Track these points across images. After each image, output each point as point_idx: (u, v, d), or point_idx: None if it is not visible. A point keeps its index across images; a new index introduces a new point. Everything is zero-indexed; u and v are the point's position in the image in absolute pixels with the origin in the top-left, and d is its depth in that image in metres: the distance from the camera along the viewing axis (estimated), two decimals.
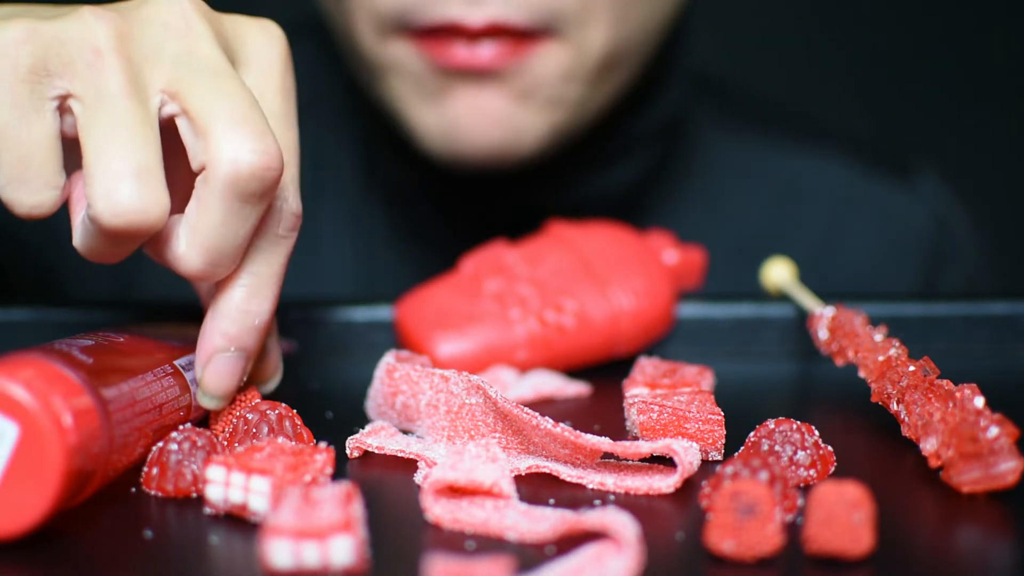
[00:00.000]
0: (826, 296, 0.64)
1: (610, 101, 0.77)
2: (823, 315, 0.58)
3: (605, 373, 0.62)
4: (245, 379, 0.50)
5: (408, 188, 0.84)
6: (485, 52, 0.70)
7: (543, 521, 0.43)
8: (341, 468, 0.50)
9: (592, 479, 0.48)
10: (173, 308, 0.65)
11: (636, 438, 0.52)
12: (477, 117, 0.72)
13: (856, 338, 0.56)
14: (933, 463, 0.48)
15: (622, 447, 0.48)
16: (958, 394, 0.48)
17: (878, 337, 0.55)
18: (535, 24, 0.69)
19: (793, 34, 1.32)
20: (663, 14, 0.76)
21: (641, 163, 0.85)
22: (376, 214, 0.85)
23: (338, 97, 0.86)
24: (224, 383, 0.49)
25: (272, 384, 0.53)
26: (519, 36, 0.70)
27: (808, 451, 0.48)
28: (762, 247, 0.83)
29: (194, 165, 0.46)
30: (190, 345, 0.53)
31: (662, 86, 0.84)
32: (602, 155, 0.83)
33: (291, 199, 0.49)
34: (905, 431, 0.50)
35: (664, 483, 0.47)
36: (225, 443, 0.49)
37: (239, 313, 0.49)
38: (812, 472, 0.48)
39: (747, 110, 0.94)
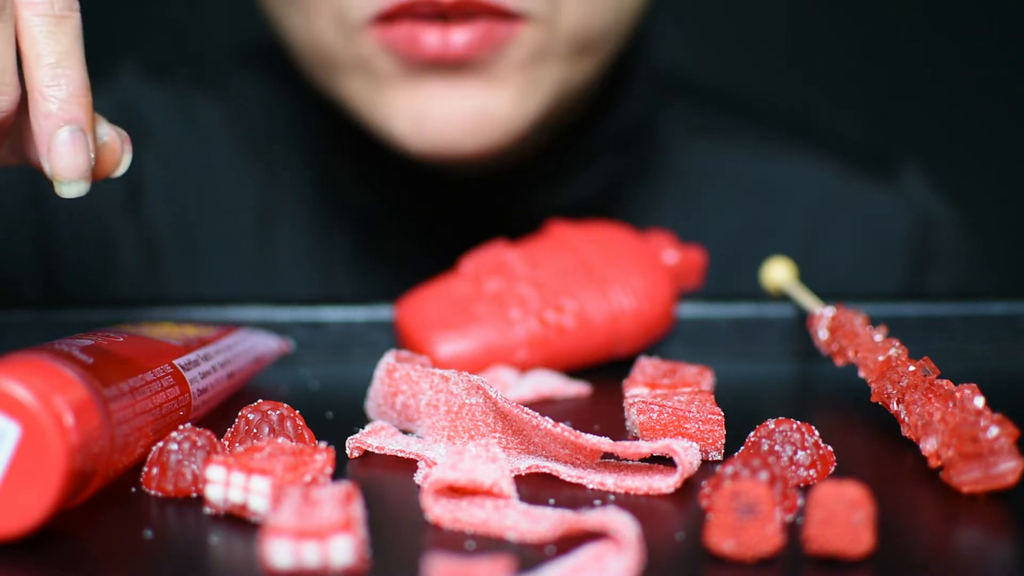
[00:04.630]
0: (822, 293, 0.64)
1: (582, 90, 0.75)
2: (823, 315, 0.58)
3: (605, 373, 0.62)
4: (93, 156, 0.50)
5: (371, 207, 0.83)
6: (459, 39, 0.67)
7: (543, 521, 0.43)
8: (341, 468, 0.50)
9: (592, 479, 0.48)
10: (172, 308, 0.65)
11: (636, 438, 0.52)
12: (449, 112, 0.69)
13: (856, 338, 0.56)
14: (933, 463, 0.48)
15: (622, 447, 0.48)
16: (958, 394, 0.48)
17: (878, 337, 0.55)
18: (507, 3, 0.67)
19: (777, 31, 1.32)
20: (636, 2, 0.74)
21: (610, 169, 0.84)
22: (339, 235, 0.84)
23: (295, 118, 0.85)
24: (73, 160, 0.49)
25: (122, 168, 0.52)
26: (492, 16, 0.67)
27: (808, 451, 0.48)
28: (742, 250, 0.82)
29: None
30: (190, 345, 0.54)
31: (627, 88, 0.83)
32: (569, 163, 0.81)
33: None
34: (905, 431, 0.50)
35: (664, 483, 0.47)
36: (225, 443, 0.49)
37: (51, 88, 0.48)
38: (812, 472, 0.48)
39: (722, 111, 0.93)
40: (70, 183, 0.49)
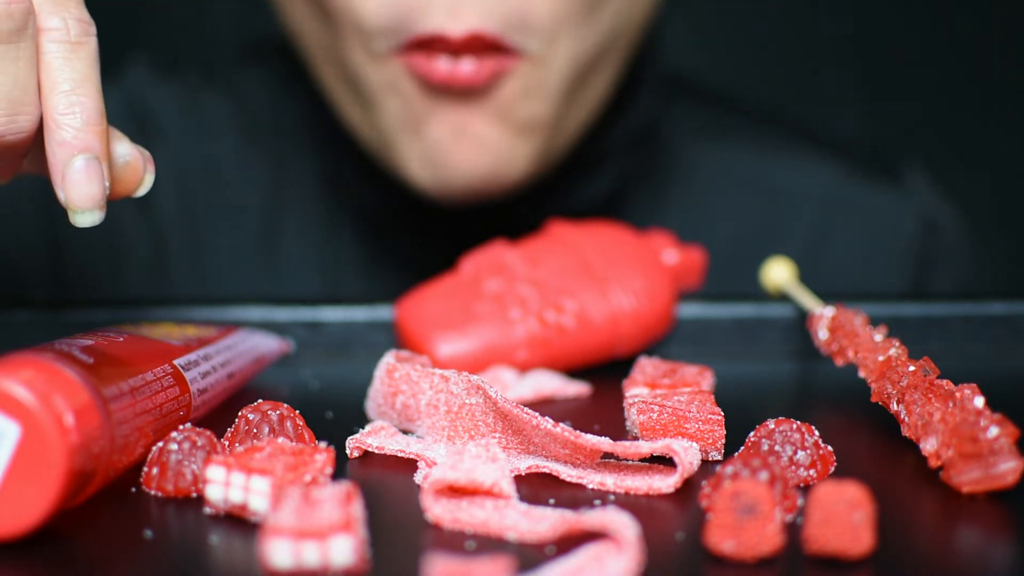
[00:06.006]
0: (820, 294, 0.64)
1: (586, 118, 0.77)
2: (823, 315, 0.58)
3: (605, 373, 0.62)
4: (108, 184, 0.49)
5: (378, 207, 0.83)
6: (466, 67, 0.70)
7: (543, 521, 0.43)
8: (341, 468, 0.50)
9: (592, 479, 0.48)
10: (172, 308, 0.65)
11: (636, 438, 0.52)
12: (460, 141, 0.72)
13: (856, 338, 0.56)
14: (933, 463, 0.48)
15: (622, 447, 0.48)
16: (958, 394, 0.48)
17: (878, 337, 0.55)
18: (508, 36, 0.69)
19: (781, 34, 1.32)
20: (636, 15, 0.75)
21: (618, 173, 0.84)
22: (345, 234, 0.84)
23: (302, 117, 0.85)
24: (87, 189, 0.48)
25: (144, 188, 0.52)
26: (495, 50, 0.70)
27: (808, 451, 0.48)
28: (747, 253, 0.82)
29: None
30: (190, 345, 0.54)
31: (634, 93, 0.83)
32: (578, 169, 0.82)
33: (72, 7, 0.49)
34: (905, 431, 0.50)
35: (664, 483, 0.47)
36: (225, 443, 0.49)
37: (66, 117, 0.48)
38: (812, 472, 0.48)
39: (728, 113, 0.94)
40: (84, 212, 0.49)
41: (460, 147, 0.72)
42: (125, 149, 0.51)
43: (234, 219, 0.85)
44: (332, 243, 0.84)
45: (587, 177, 0.83)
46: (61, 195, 0.49)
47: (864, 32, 1.32)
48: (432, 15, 0.69)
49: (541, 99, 0.72)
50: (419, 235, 0.83)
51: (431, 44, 0.69)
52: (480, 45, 0.69)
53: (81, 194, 0.48)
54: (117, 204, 0.83)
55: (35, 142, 0.50)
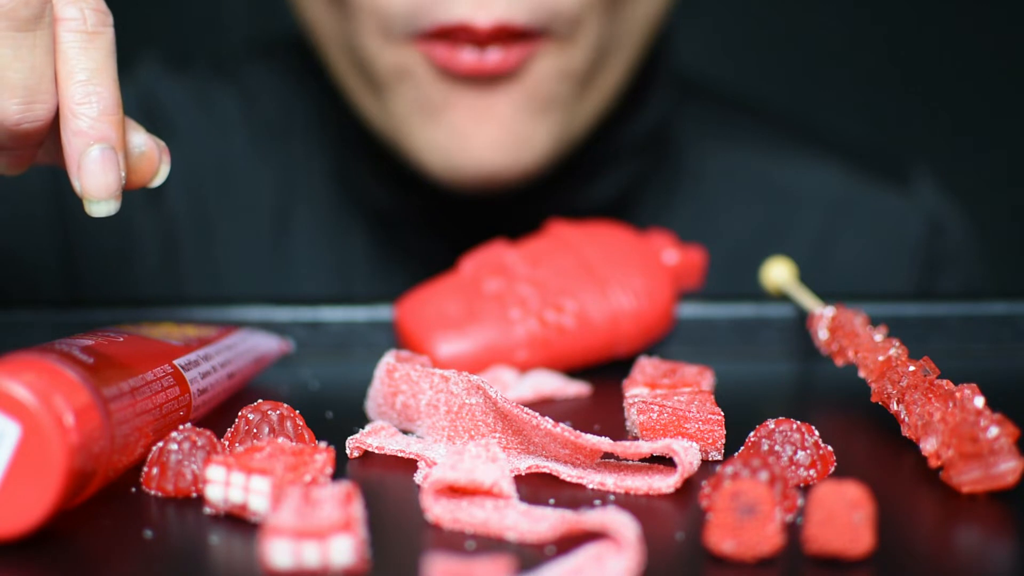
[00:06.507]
0: (826, 296, 0.64)
1: (602, 104, 0.77)
2: (823, 315, 0.58)
3: (605, 373, 0.62)
4: (124, 174, 0.49)
5: (388, 205, 0.83)
6: (492, 57, 0.70)
7: (543, 521, 0.43)
8: (341, 468, 0.50)
9: (592, 479, 0.48)
10: (172, 308, 0.65)
11: (636, 438, 0.52)
12: (481, 123, 0.72)
13: (856, 338, 0.56)
14: (933, 463, 0.48)
15: (622, 447, 0.48)
16: (958, 394, 0.48)
17: (878, 337, 0.55)
18: (535, 24, 0.70)
19: (789, 37, 1.32)
20: (653, 11, 0.76)
21: (628, 173, 0.84)
22: (355, 233, 0.84)
23: (313, 114, 0.86)
24: (103, 179, 0.48)
25: (159, 179, 0.52)
26: (520, 37, 0.70)
27: (808, 451, 0.48)
28: (754, 254, 0.82)
29: None
30: (190, 345, 0.54)
31: (646, 94, 0.83)
32: (588, 168, 0.82)
33: None
34: (905, 431, 0.50)
35: (664, 483, 0.47)
36: (225, 443, 0.49)
37: (82, 106, 0.48)
38: (812, 472, 0.48)
39: (737, 114, 0.94)
40: (99, 202, 0.49)
41: (480, 130, 0.72)
42: (141, 139, 0.51)
43: (244, 217, 0.85)
44: (342, 242, 0.84)
45: (597, 177, 0.83)
46: (77, 184, 0.49)
47: (869, 33, 1.32)
48: (458, 4, 0.69)
49: (566, 78, 0.73)
50: (430, 234, 0.83)
51: (455, 34, 0.69)
52: (506, 35, 0.69)
53: (97, 184, 0.49)
54: (128, 202, 0.83)
55: (51, 131, 0.50)
